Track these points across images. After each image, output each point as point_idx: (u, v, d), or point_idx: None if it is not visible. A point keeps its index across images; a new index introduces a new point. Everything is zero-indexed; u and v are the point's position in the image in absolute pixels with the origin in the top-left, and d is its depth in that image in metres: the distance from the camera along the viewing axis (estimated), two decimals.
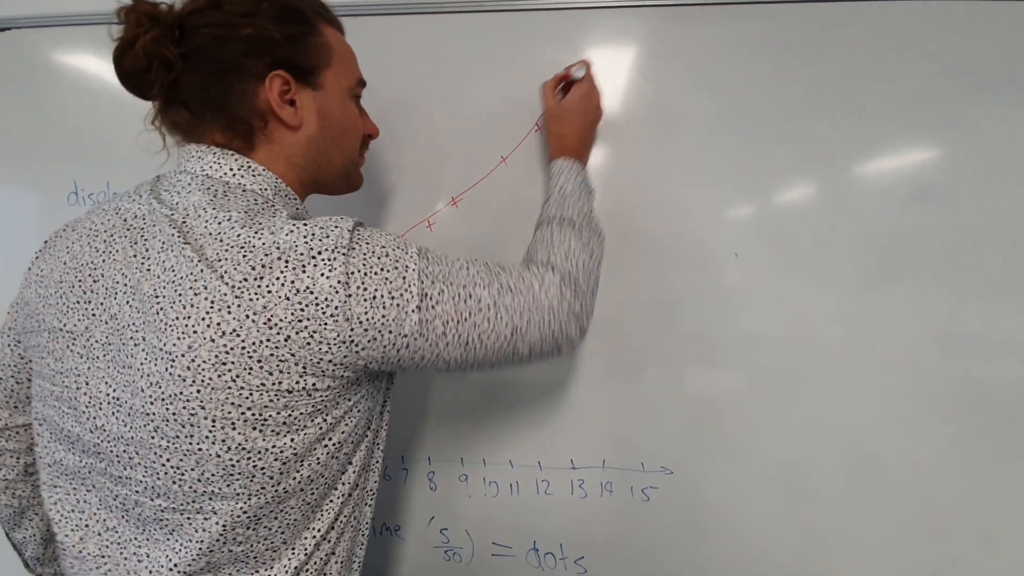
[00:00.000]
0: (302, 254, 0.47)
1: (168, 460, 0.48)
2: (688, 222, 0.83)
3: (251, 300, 0.45)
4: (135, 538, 0.52)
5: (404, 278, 0.49)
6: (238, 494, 0.49)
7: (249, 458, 0.48)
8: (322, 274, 0.46)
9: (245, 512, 0.50)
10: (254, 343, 0.45)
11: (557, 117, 0.77)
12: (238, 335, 0.45)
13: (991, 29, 0.78)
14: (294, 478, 0.50)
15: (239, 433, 0.47)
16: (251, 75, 0.54)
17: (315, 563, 0.55)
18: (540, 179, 0.84)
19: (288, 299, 0.46)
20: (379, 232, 0.52)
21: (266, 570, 0.53)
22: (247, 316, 0.45)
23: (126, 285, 0.50)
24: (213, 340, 0.45)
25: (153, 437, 0.48)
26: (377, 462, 0.62)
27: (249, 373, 0.46)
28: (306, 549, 0.54)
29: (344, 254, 0.47)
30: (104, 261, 0.52)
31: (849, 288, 0.81)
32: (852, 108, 0.80)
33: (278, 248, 0.47)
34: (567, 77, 0.78)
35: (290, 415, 0.48)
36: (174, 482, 0.49)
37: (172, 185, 0.53)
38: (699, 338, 0.83)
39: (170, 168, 0.57)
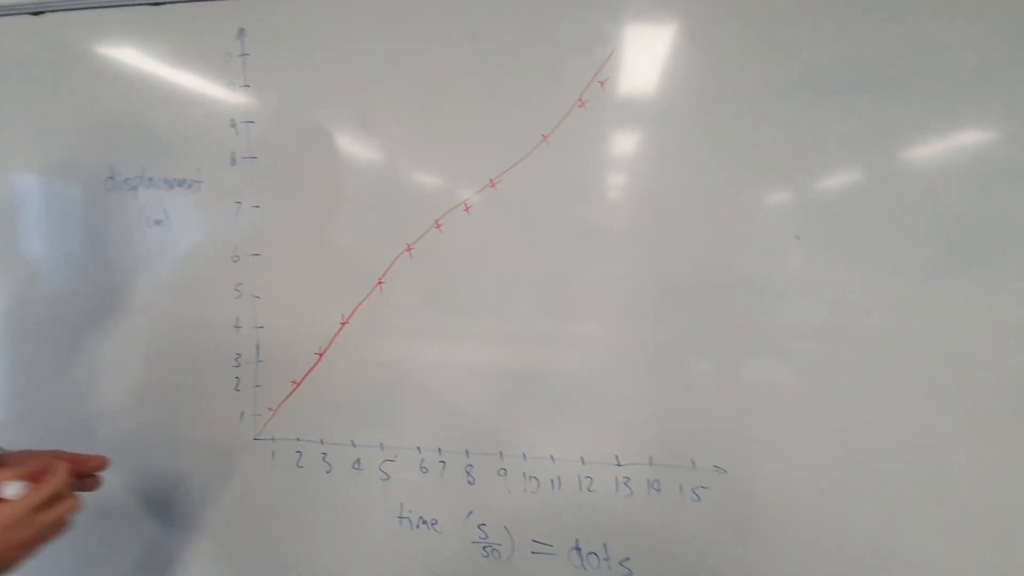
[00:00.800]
0: None
1: None
2: (744, 201, 0.77)
3: None
4: None
5: None
6: None
7: None
8: None
9: None
10: None
11: None
12: None
13: None
14: None
15: None
16: None
17: None
18: (585, 157, 0.80)
19: None
20: None
21: None
22: None
23: None
24: None
25: None
26: None
27: None
28: None
29: None
30: None
31: (920, 275, 0.74)
32: (926, 76, 0.73)
33: None
34: None
35: None
36: None
37: None
38: (755, 327, 0.78)
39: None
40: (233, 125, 0.89)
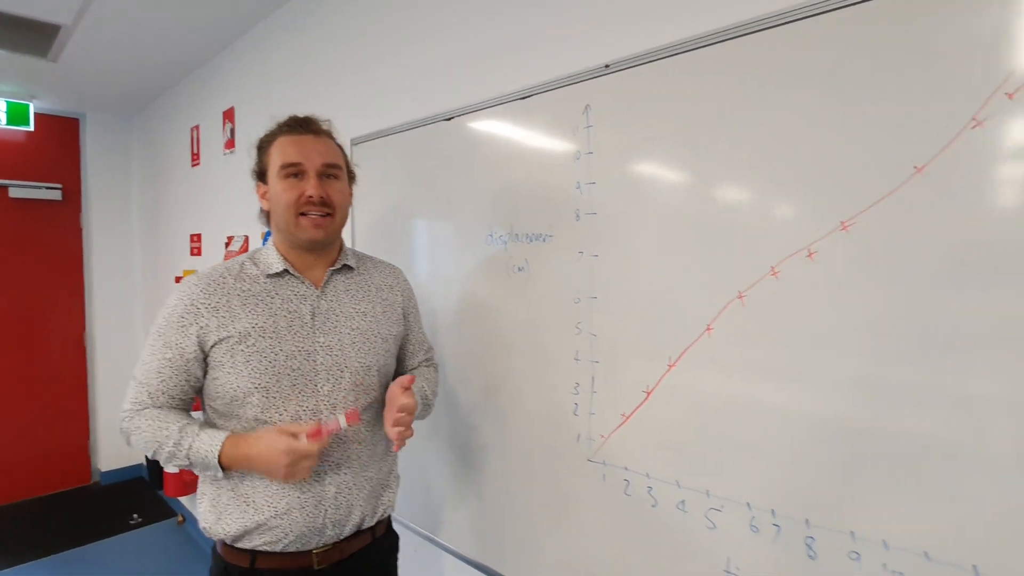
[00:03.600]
0: None
1: None
2: None
3: None
4: None
5: None
6: None
7: None
8: None
9: None
10: None
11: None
12: None
13: None
14: None
15: None
16: None
17: None
18: (977, 195, 0.64)
19: None
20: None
21: None
22: None
23: None
24: None
25: None
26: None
27: None
28: None
29: None
30: None
31: None
32: None
33: None
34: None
35: None
36: None
37: None
38: None
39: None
40: (578, 187, 1.04)
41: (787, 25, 0.78)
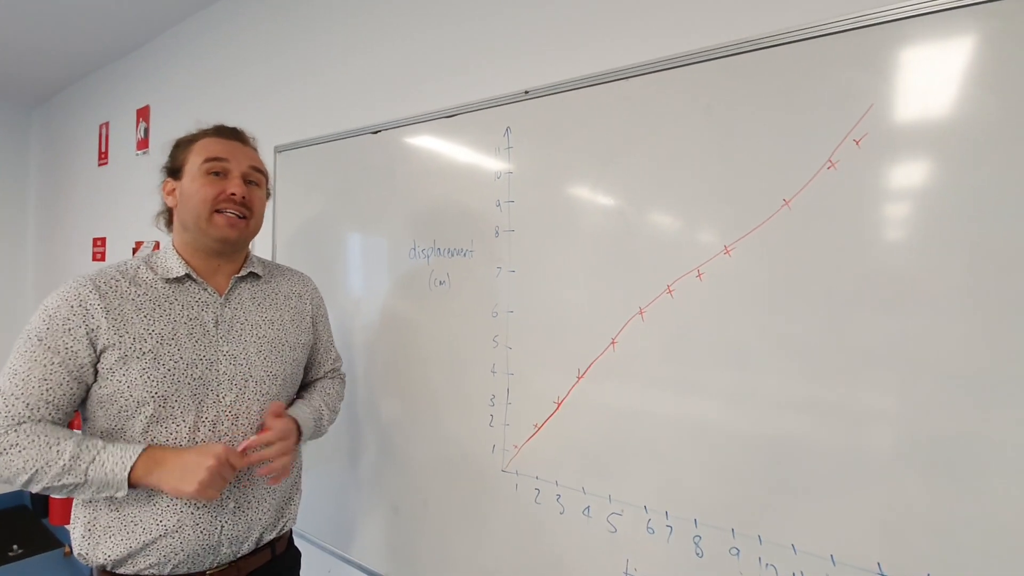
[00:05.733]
0: None
1: None
2: None
3: None
4: None
5: None
6: None
7: None
8: None
9: None
10: None
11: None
12: None
13: None
14: None
15: None
16: None
17: None
18: (833, 227, 0.73)
19: None
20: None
21: None
22: None
23: None
24: None
25: None
26: None
27: None
28: None
29: None
30: None
31: None
32: None
33: None
34: None
35: None
36: None
37: None
38: None
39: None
40: (498, 204, 1.08)
41: (677, 69, 0.87)
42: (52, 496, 0.90)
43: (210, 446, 0.82)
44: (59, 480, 0.76)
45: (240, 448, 0.86)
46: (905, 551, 0.68)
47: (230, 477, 0.83)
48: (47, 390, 0.79)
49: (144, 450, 0.80)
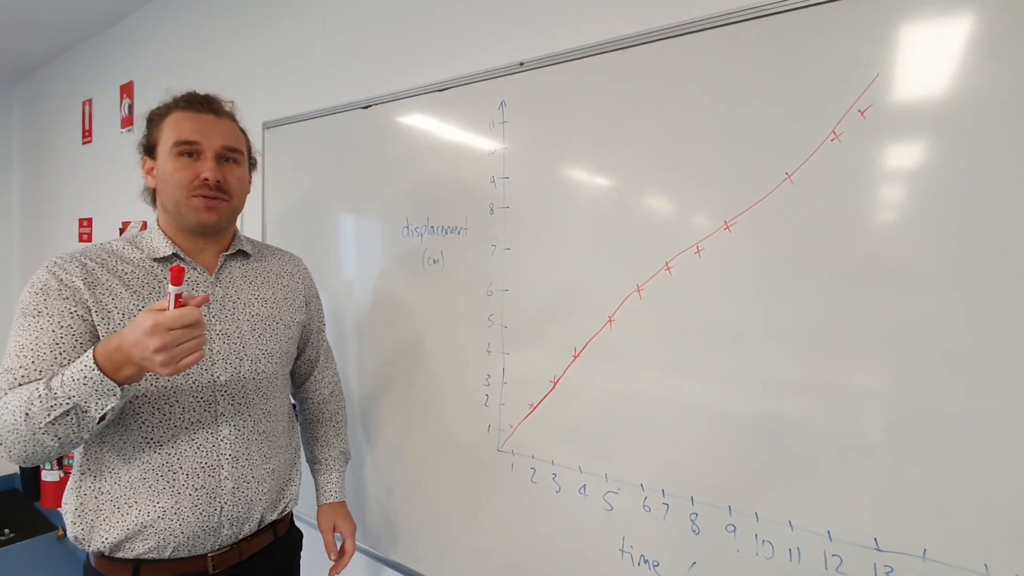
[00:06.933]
0: None
1: None
2: None
3: None
4: None
5: None
6: None
7: None
8: None
9: None
10: None
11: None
12: None
13: None
14: None
15: None
16: None
17: None
18: (836, 201, 0.72)
19: None
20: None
21: None
22: None
23: None
24: None
25: None
26: None
27: None
28: None
29: None
30: None
31: None
32: None
33: None
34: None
35: None
36: None
37: None
38: None
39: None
40: (493, 181, 1.06)
41: (678, 38, 0.84)
42: (69, 452, 0.81)
43: (142, 317, 0.68)
44: (49, 413, 0.69)
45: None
46: (901, 526, 0.68)
47: (199, 331, 0.69)
48: (60, 354, 0.75)
49: (94, 347, 0.71)
